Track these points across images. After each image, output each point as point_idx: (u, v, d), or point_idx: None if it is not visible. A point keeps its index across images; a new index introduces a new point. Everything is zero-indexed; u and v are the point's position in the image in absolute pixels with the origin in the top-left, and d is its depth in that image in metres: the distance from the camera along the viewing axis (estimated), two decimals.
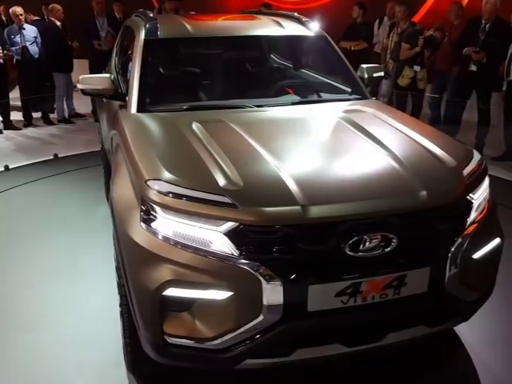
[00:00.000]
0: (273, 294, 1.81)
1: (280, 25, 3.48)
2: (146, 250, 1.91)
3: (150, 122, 2.72)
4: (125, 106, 2.88)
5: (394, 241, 1.90)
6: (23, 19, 7.10)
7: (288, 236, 1.84)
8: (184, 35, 3.36)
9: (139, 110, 2.81)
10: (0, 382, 2.42)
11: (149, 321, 1.95)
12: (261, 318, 1.83)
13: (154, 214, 1.93)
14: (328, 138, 2.58)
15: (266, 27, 3.57)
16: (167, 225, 1.91)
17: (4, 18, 9.40)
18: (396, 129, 2.55)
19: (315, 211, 1.85)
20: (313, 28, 3.47)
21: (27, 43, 7.10)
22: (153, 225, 1.94)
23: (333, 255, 1.88)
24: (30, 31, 7.19)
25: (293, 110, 2.93)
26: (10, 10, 7.05)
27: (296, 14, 3.78)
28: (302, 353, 1.95)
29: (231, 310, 1.85)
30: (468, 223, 2.09)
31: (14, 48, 7.04)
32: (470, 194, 2.12)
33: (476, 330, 2.72)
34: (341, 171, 2.15)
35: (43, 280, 3.28)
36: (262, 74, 3.66)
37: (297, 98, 3.14)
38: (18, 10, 7.02)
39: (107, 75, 3.07)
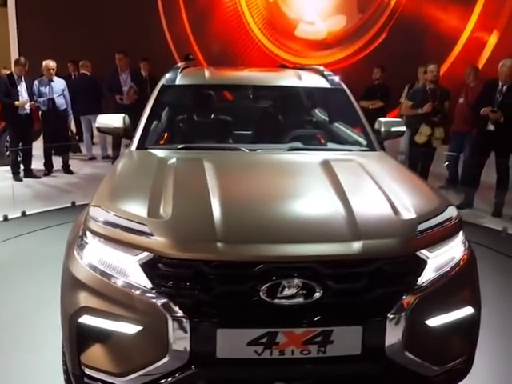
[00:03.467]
0: (179, 333, 1.71)
1: (298, 76, 3.56)
2: (72, 275, 1.93)
3: (138, 157, 2.87)
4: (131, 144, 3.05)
5: (318, 291, 1.74)
6: (54, 73, 7.42)
7: (199, 272, 1.75)
8: (199, 82, 3.54)
9: (138, 147, 2.96)
10: None
11: (68, 348, 1.91)
12: (166, 359, 1.73)
13: (85, 239, 1.97)
14: (288, 183, 2.42)
15: (281, 78, 3.70)
16: (93, 251, 1.93)
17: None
18: (372, 179, 2.38)
19: (229, 249, 1.76)
20: (332, 80, 3.50)
21: (55, 95, 7.38)
22: (83, 250, 1.97)
23: (246, 299, 1.74)
24: (59, 84, 7.50)
25: (281, 156, 2.88)
26: (43, 63, 7.37)
27: (322, 67, 3.89)
28: None
29: (140, 346, 1.78)
30: (419, 283, 1.86)
31: (41, 99, 7.31)
32: (424, 251, 1.90)
33: None
34: (277, 214, 2.04)
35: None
36: (267, 121, 3.72)
37: (296, 146, 3.08)
38: (51, 64, 7.34)
39: (121, 115, 3.23)
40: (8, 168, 7.25)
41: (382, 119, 3.34)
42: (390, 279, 1.84)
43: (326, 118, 3.95)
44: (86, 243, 1.96)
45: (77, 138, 9.36)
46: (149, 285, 1.78)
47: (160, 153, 2.86)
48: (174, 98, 3.76)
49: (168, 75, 3.46)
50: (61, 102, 7.48)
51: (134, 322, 1.77)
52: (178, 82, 3.39)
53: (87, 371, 1.89)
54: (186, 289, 1.75)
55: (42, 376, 2.63)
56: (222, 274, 1.76)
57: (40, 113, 7.57)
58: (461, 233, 2.10)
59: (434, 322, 1.89)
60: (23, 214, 5.53)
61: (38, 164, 7.60)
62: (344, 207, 2.03)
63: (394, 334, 1.79)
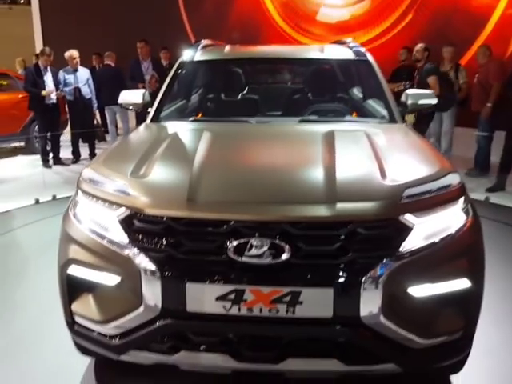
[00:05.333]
0: (151, 286, 1.78)
1: (321, 49, 3.51)
2: (65, 230, 2.08)
3: (148, 129, 2.96)
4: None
5: (287, 251, 1.72)
6: (78, 62, 7.49)
7: (170, 229, 1.81)
8: (217, 57, 3.55)
9: (152, 120, 3.07)
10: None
11: (62, 298, 2.05)
12: (141, 309, 1.81)
13: (77, 198, 2.11)
14: (279, 150, 2.39)
15: (303, 51, 3.66)
16: (82, 208, 2.06)
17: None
18: (372, 147, 2.28)
19: (198, 207, 1.81)
20: (357, 52, 3.41)
21: (80, 84, 7.45)
22: (74, 208, 2.11)
23: (214, 256, 1.78)
24: (84, 73, 7.57)
25: (288, 127, 2.86)
26: (67, 53, 7.44)
27: (350, 39, 3.81)
28: (187, 356, 1.85)
29: (119, 296, 1.87)
30: (401, 249, 1.78)
31: (67, 88, 7.39)
32: (409, 216, 1.81)
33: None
34: (254, 176, 2.05)
35: None
36: (286, 94, 3.69)
37: (308, 118, 3.05)
38: (75, 53, 7.42)
39: (142, 90, 3.34)
40: (38, 156, 7.42)
41: (409, 91, 3.17)
42: (367, 243, 1.77)
43: (350, 90, 3.87)
44: (77, 201, 2.10)
45: (102, 129, 9.46)
46: (125, 240, 1.86)
47: (170, 125, 2.92)
48: (192, 74, 3.79)
49: (187, 51, 3.51)
50: (86, 91, 7.55)
51: (114, 274, 1.86)
52: (196, 57, 3.44)
53: (77, 319, 2.02)
54: (158, 244, 1.81)
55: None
56: (190, 231, 1.80)
57: (66, 102, 7.66)
58: (461, 200, 1.97)
59: (420, 291, 1.79)
60: (53, 197, 5.64)
61: (66, 153, 7.70)
62: (327, 171, 2.00)
63: (369, 300, 1.72)
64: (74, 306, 2.00)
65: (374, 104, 3.32)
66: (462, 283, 1.85)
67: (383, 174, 1.98)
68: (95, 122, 8.69)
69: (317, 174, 2.00)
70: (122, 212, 1.89)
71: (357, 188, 1.90)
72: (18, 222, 4.88)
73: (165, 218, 1.81)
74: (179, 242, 1.79)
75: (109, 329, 1.91)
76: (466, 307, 1.90)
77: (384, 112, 3.06)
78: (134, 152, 2.37)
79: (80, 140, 7.84)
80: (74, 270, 1.96)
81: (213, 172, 2.06)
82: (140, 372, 2.19)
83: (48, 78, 7.20)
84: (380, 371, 1.87)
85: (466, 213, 1.98)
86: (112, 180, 2.01)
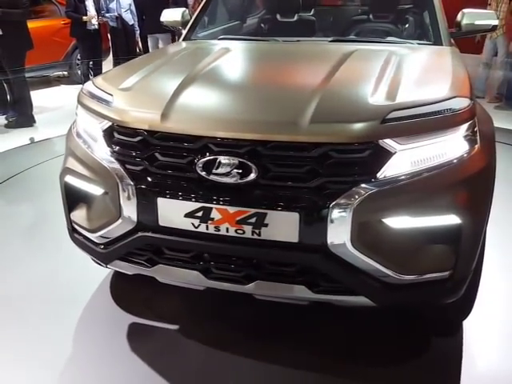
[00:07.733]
0: (127, 199, 1.81)
1: None
2: (66, 143, 2.15)
3: (173, 47, 2.93)
4: None
5: (254, 171, 1.66)
6: None
7: (144, 142, 1.81)
8: None
9: (185, 38, 3.04)
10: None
11: (63, 206, 2.12)
12: (120, 221, 1.85)
13: (76, 110, 2.13)
14: (282, 68, 2.34)
15: None
16: (79, 120, 2.10)
17: None
18: (383, 67, 2.10)
19: (171, 121, 1.79)
20: None
21: (122, 10, 7.17)
22: (74, 121, 2.15)
23: (185, 172, 1.76)
24: None
25: (313, 46, 2.77)
26: None
27: None
28: (162, 269, 1.90)
29: (104, 207, 1.92)
30: (378, 175, 1.63)
31: (109, 14, 7.13)
32: (390, 141, 1.63)
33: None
34: (237, 93, 2.04)
35: None
36: (326, 14, 3.55)
37: (338, 38, 2.89)
38: None
39: (182, 9, 3.34)
40: (81, 86, 7.22)
41: (466, 10, 2.87)
42: (339, 168, 1.66)
43: (402, 10, 3.57)
44: (76, 114, 2.13)
45: None
46: (107, 152, 1.88)
47: (195, 43, 2.90)
48: None
49: None
50: (128, 18, 7.29)
51: (99, 185, 1.91)
52: None
53: (75, 226, 2.10)
54: (133, 158, 1.83)
55: None
56: (163, 146, 1.79)
57: (109, 30, 7.42)
58: (463, 127, 1.73)
59: (397, 223, 1.65)
60: None
61: None
62: (316, 91, 1.87)
63: (337, 228, 1.63)
64: (73, 215, 2.08)
65: (424, 25, 3.04)
66: (449, 220, 1.67)
67: (374, 95, 1.81)
68: (137, 49, 8.44)
69: (303, 94, 1.89)
70: (105, 123, 1.91)
71: (337, 108, 1.79)
72: (59, 149, 4.84)
73: (140, 131, 1.81)
74: (153, 156, 1.80)
75: (96, 238, 1.98)
76: (455, 246, 1.72)
77: (430, 33, 2.81)
78: (137, 67, 2.35)
79: None
80: (70, 179, 2.03)
81: (197, 87, 2.04)
82: (154, 286, 2.25)
83: (89, 3, 6.96)
84: (351, 303, 1.82)
85: (470, 142, 1.75)
86: (102, 92, 2.04)
